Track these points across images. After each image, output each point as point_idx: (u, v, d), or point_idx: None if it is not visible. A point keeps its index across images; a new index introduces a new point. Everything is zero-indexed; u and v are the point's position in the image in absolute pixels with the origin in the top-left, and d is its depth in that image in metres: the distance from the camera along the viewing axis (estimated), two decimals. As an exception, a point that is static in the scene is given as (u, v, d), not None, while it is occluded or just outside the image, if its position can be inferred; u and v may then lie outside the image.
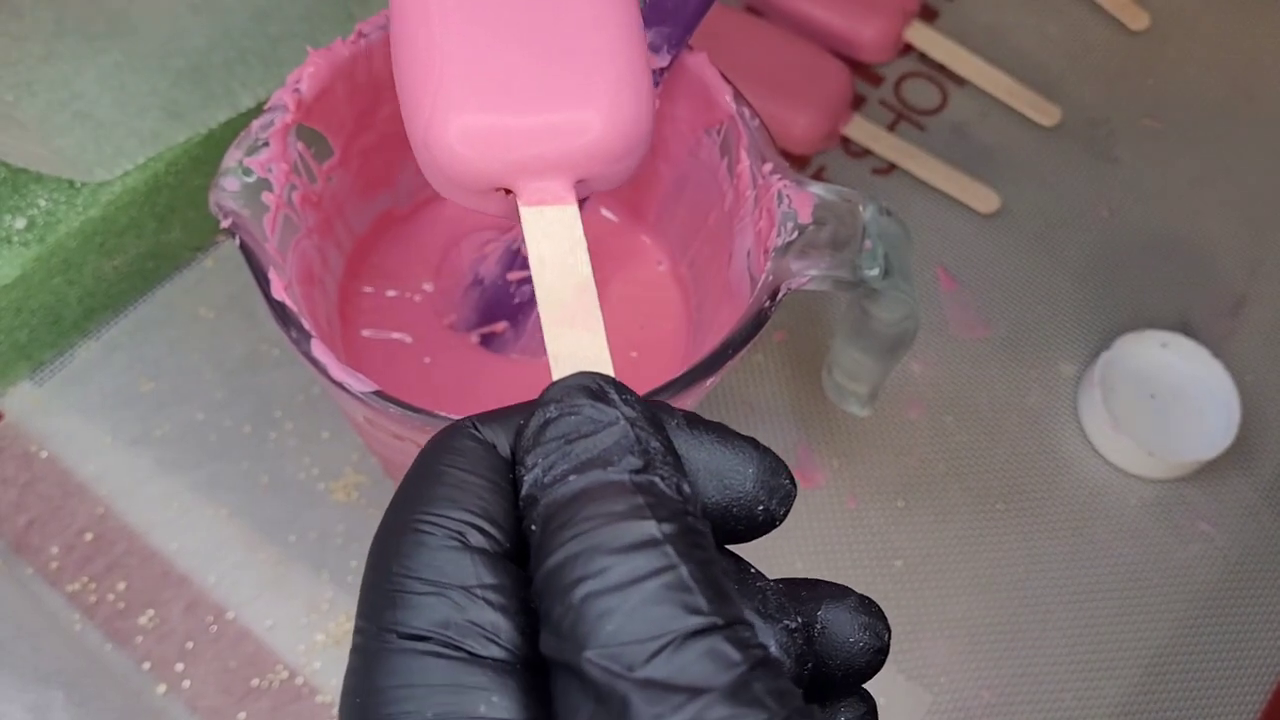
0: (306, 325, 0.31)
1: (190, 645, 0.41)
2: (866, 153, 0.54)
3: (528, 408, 0.20)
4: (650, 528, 0.17)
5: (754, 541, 0.21)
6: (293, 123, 0.34)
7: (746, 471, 0.20)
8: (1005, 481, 0.47)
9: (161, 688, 0.40)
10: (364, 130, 0.38)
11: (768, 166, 0.35)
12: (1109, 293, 0.52)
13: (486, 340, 0.42)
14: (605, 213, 0.44)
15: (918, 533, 0.46)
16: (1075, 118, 0.57)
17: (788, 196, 0.34)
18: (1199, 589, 0.46)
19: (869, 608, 0.21)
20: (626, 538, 0.17)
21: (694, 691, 0.16)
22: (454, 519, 0.19)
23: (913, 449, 0.48)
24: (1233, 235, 0.54)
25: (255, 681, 0.40)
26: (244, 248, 0.32)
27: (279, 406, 0.45)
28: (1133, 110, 0.57)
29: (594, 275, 0.26)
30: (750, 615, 0.19)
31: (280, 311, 0.31)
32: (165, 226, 0.46)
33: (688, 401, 0.32)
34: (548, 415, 0.19)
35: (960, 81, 0.57)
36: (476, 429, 0.20)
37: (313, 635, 0.41)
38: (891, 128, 0.55)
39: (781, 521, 0.21)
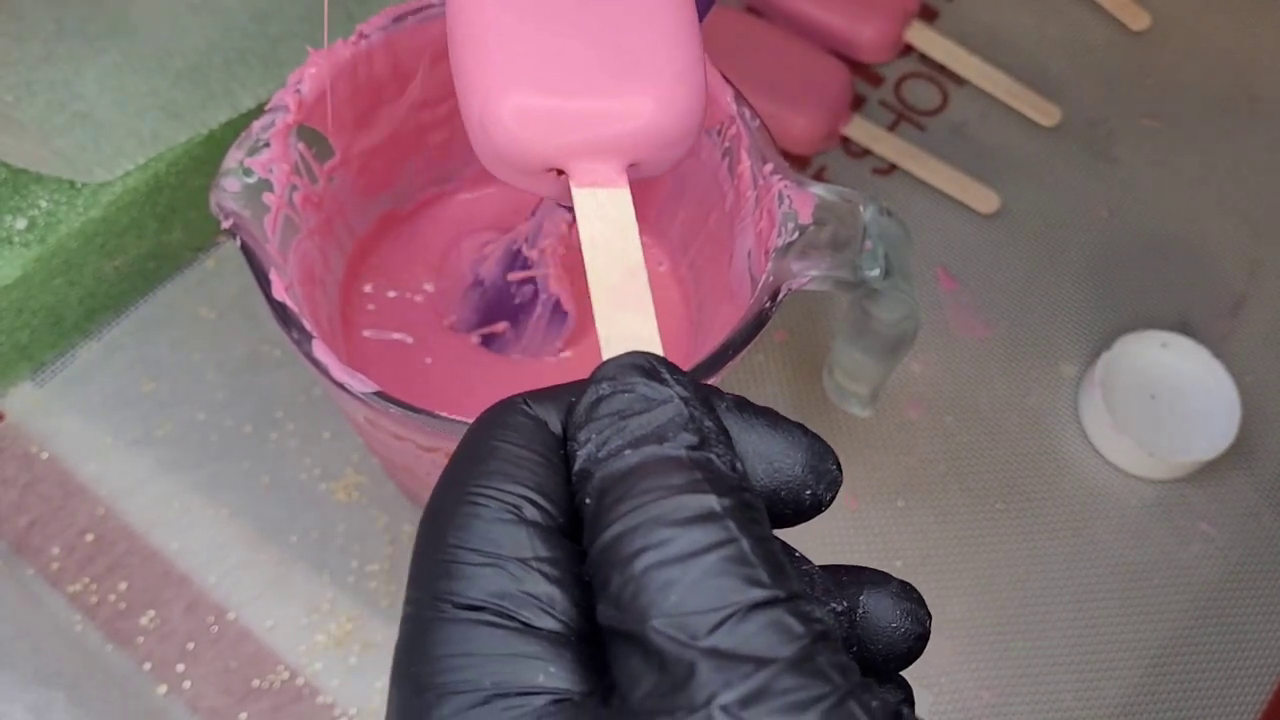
0: (308, 326, 0.31)
1: (191, 646, 0.41)
2: (867, 153, 0.54)
3: (579, 386, 0.20)
4: (710, 501, 0.17)
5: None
6: (294, 123, 0.34)
7: (796, 456, 0.20)
8: (1005, 482, 0.47)
9: (162, 688, 0.40)
10: (365, 131, 0.38)
11: (768, 167, 0.35)
12: (1109, 293, 0.52)
13: (487, 341, 0.42)
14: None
15: (918, 533, 0.46)
16: (1075, 118, 0.57)
17: (788, 197, 0.34)
18: (1199, 589, 0.46)
19: (910, 594, 0.21)
20: (686, 510, 0.17)
21: (760, 662, 0.16)
22: (509, 492, 0.19)
23: (913, 449, 0.48)
24: (1233, 235, 0.54)
25: (256, 682, 0.40)
26: (245, 248, 0.32)
27: (280, 407, 0.45)
28: (1133, 110, 0.57)
29: None
30: None
31: (281, 312, 0.31)
32: (166, 227, 0.46)
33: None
34: (601, 392, 0.19)
35: (960, 82, 0.57)
36: (528, 405, 0.20)
37: (313, 636, 0.41)
38: (892, 128, 0.55)
39: (827, 507, 0.21)
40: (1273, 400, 0.50)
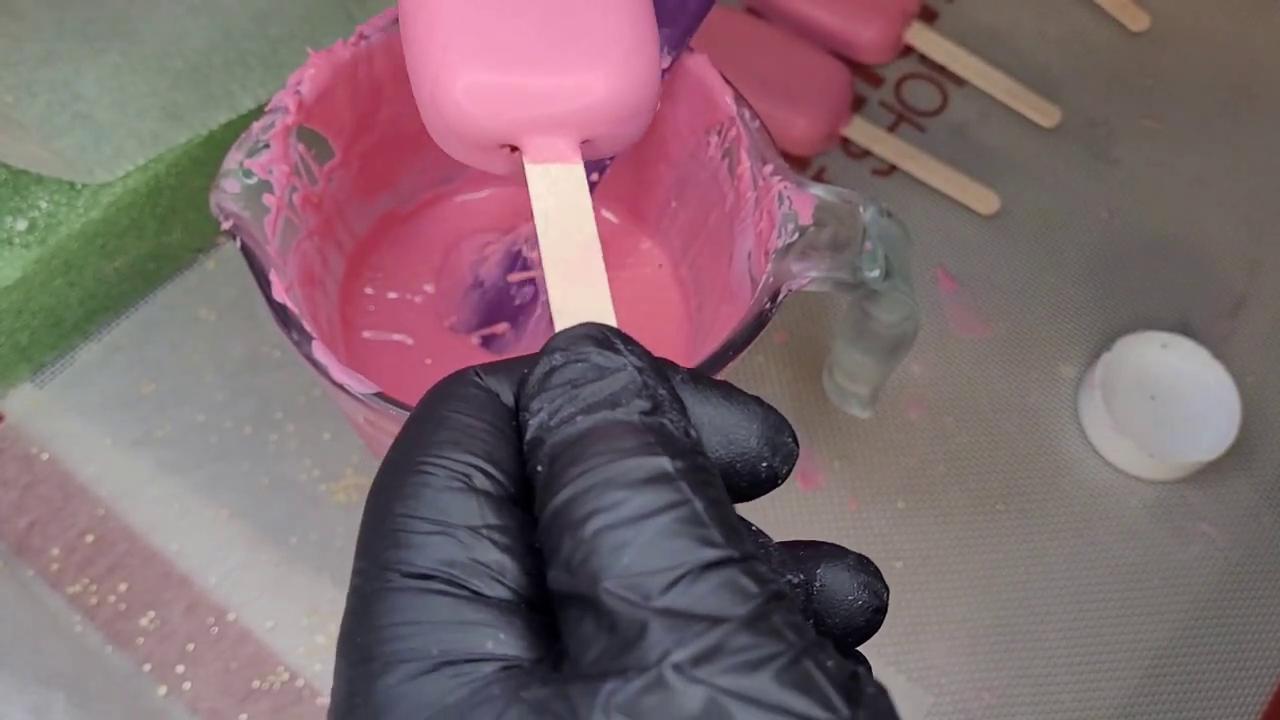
0: (307, 327, 0.31)
1: (191, 647, 0.41)
2: (867, 154, 0.54)
3: (532, 359, 0.20)
4: (663, 463, 0.17)
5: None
6: (293, 124, 0.34)
7: (751, 428, 0.20)
8: (1005, 482, 0.47)
9: (162, 689, 0.40)
10: (365, 131, 0.38)
11: (768, 168, 0.35)
12: (1109, 293, 0.52)
13: (487, 342, 0.42)
14: (606, 214, 0.44)
15: (918, 534, 0.46)
16: (1075, 118, 0.57)
17: (788, 198, 0.34)
18: (1199, 590, 0.46)
19: (867, 566, 0.21)
20: (639, 472, 0.17)
21: (713, 620, 0.16)
22: (459, 461, 0.18)
23: (913, 450, 0.48)
24: (1233, 235, 0.54)
25: (256, 683, 0.40)
26: (245, 249, 0.32)
27: (280, 408, 0.45)
28: (1132, 111, 0.57)
29: None
30: None
31: (281, 313, 0.31)
32: (166, 228, 0.46)
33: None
34: (554, 362, 0.19)
35: (960, 82, 0.57)
36: (480, 377, 0.20)
37: (314, 637, 0.41)
38: (892, 129, 0.55)
39: (784, 480, 0.21)
40: (1273, 401, 0.50)
